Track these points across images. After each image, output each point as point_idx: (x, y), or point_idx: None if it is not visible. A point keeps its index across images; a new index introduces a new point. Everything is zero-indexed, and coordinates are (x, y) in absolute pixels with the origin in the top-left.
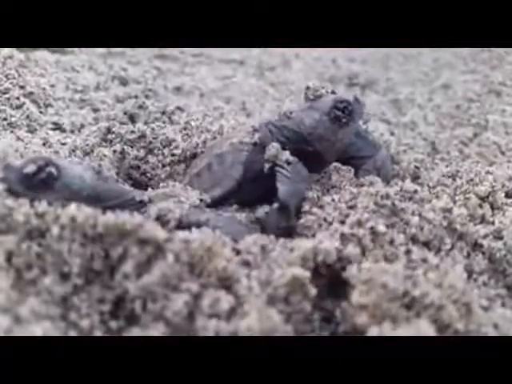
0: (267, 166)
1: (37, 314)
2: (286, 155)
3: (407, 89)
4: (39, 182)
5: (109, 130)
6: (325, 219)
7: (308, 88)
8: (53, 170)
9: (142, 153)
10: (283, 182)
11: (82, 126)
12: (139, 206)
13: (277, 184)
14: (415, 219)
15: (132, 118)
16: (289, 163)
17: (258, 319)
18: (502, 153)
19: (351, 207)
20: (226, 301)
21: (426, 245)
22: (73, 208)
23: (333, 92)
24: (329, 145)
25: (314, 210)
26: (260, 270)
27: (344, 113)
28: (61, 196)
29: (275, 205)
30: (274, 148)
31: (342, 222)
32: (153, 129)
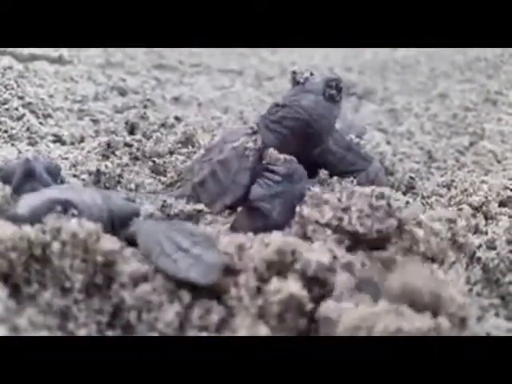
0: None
1: (34, 324)
2: (282, 157)
3: (404, 98)
4: None
5: (109, 145)
6: (317, 222)
7: (295, 72)
8: (74, 211)
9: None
10: (260, 185)
11: (82, 138)
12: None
13: (253, 185)
14: (421, 232)
15: (132, 131)
16: (286, 160)
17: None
18: (498, 161)
19: (345, 209)
20: (216, 312)
21: (429, 257)
22: (74, 223)
23: (311, 73)
24: (326, 123)
25: (307, 211)
26: (248, 277)
27: (336, 90)
28: None
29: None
30: (271, 154)
31: (336, 228)
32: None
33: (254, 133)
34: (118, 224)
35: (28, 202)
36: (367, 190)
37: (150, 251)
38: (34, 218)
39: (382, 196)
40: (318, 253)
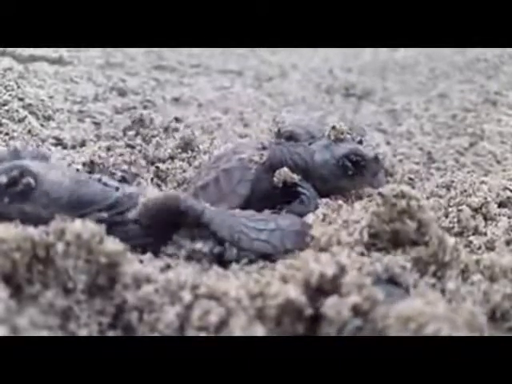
0: (279, 186)
1: (35, 324)
2: (296, 177)
3: (403, 99)
4: (15, 193)
5: (109, 150)
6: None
7: (334, 128)
8: (30, 180)
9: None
10: (304, 203)
11: (84, 142)
12: (127, 206)
13: (296, 202)
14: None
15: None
16: (300, 180)
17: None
18: (498, 162)
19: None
20: (215, 313)
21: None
22: (78, 224)
23: (360, 142)
24: (327, 186)
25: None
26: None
27: (354, 165)
28: (38, 205)
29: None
30: (284, 172)
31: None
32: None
33: (263, 148)
34: (82, 212)
35: None
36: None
37: (236, 238)
38: None
39: (402, 195)
40: (323, 264)
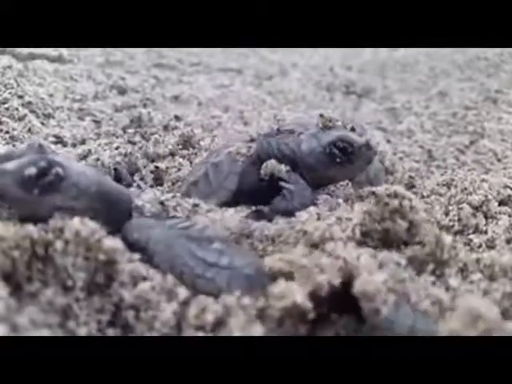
0: (265, 178)
1: (35, 323)
2: (284, 168)
3: (404, 97)
4: (46, 184)
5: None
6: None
7: (321, 116)
8: (59, 170)
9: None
10: (286, 198)
11: (84, 139)
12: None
13: (279, 198)
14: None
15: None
16: (287, 171)
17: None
18: (498, 160)
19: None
20: (212, 311)
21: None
22: (76, 222)
23: (352, 129)
24: (316, 176)
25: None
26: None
27: (342, 152)
28: (67, 196)
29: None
30: (270, 165)
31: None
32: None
33: (252, 141)
34: (109, 202)
35: (18, 160)
36: (380, 189)
37: (179, 272)
38: (19, 172)
39: (395, 195)
40: (328, 273)
